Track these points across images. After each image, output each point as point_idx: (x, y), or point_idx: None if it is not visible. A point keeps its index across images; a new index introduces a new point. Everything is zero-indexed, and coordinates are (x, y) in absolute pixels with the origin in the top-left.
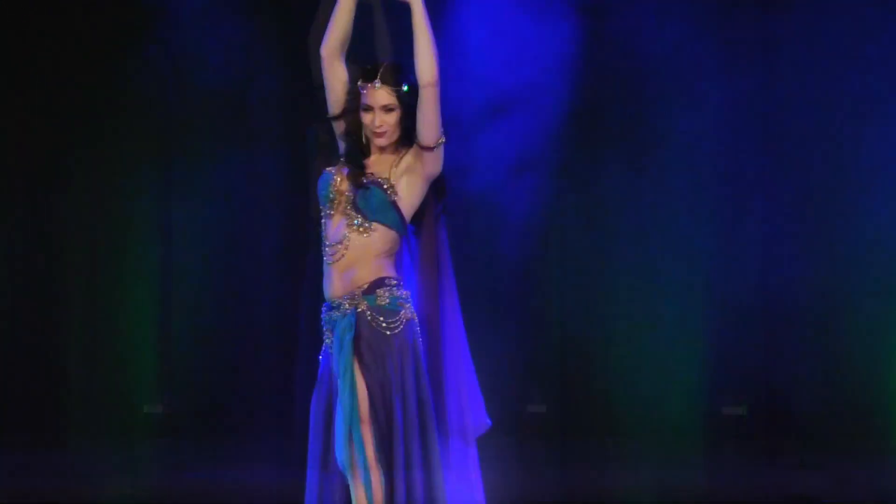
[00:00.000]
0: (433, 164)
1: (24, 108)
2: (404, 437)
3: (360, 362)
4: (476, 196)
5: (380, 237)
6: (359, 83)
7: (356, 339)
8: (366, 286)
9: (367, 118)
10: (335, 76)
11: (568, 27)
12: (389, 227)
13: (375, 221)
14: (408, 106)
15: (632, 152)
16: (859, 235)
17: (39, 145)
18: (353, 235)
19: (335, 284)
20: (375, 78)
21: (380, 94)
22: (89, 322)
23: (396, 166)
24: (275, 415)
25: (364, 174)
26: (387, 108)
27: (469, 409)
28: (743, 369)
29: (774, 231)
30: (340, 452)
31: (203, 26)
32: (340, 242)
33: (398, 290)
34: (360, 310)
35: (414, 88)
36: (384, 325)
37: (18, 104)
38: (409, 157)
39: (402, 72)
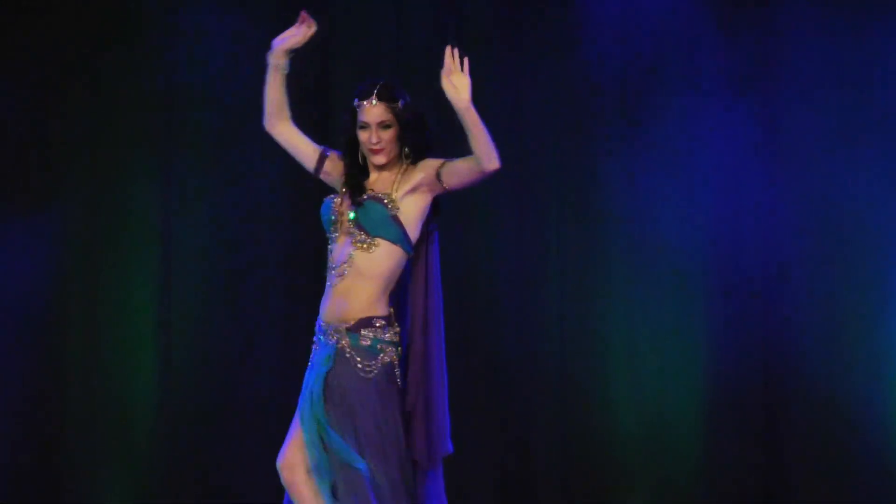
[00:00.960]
0: (463, 179)
1: (23, 109)
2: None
3: (328, 400)
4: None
5: (383, 253)
6: (355, 102)
7: (329, 374)
8: (353, 323)
9: (363, 136)
10: (291, 140)
11: (560, 27)
12: (392, 241)
13: (378, 237)
14: (405, 122)
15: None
16: (864, 239)
17: (34, 151)
18: (357, 253)
19: (330, 307)
20: (371, 95)
21: (376, 111)
22: (88, 326)
23: (399, 182)
24: (276, 422)
25: (363, 192)
26: (383, 125)
27: (439, 434)
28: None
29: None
30: (311, 456)
31: (204, 26)
32: (346, 262)
33: (384, 331)
34: (340, 345)
35: (409, 105)
36: (359, 365)
37: (16, 105)
38: (415, 175)
39: (397, 89)
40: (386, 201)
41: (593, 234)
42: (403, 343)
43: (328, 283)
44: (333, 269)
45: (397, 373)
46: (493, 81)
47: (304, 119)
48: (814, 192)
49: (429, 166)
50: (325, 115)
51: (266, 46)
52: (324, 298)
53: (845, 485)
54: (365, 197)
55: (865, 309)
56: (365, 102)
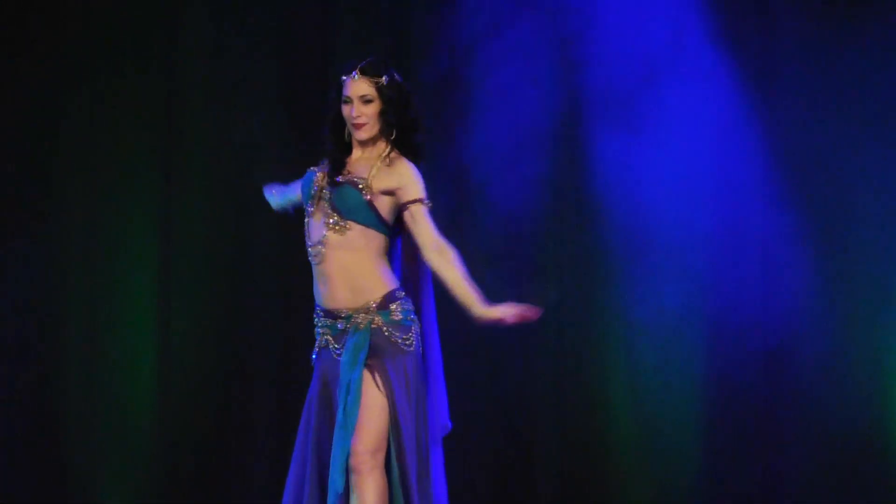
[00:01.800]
0: (413, 188)
1: (21, 110)
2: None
3: (375, 376)
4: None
5: (357, 236)
6: (341, 77)
7: (372, 355)
8: (380, 300)
9: (345, 109)
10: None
11: (560, 25)
12: (367, 226)
13: (351, 220)
14: (388, 99)
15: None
16: (866, 238)
17: (34, 151)
18: (330, 234)
19: (330, 292)
20: (354, 70)
21: (358, 86)
22: (88, 327)
23: (378, 169)
24: (276, 423)
25: (341, 172)
26: (365, 100)
27: (439, 411)
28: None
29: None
30: (335, 478)
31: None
32: (320, 242)
33: (408, 302)
34: (374, 325)
35: (395, 82)
36: (400, 341)
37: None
38: (393, 179)
39: (383, 65)
40: (361, 186)
41: (592, 231)
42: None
43: (312, 264)
44: (310, 246)
45: (422, 343)
46: (492, 78)
47: (303, 114)
48: (815, 191)
49: (406, 189)
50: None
51: (266, 46)
52: (316, 284)
53: (845, 485)
54: (340, 179)
55: (866, 308)
56: (347, 77)
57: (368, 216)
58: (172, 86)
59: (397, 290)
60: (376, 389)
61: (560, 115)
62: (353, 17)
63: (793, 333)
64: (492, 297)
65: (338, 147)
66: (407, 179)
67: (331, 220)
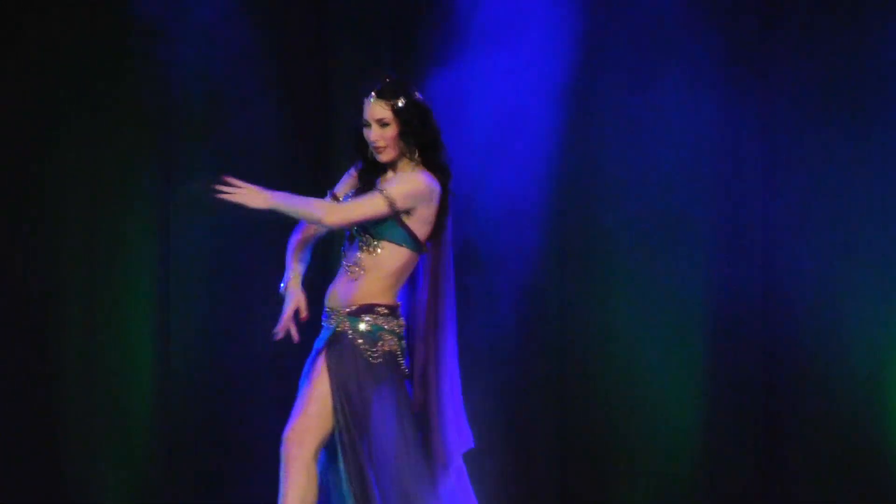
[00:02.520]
0: (411, 205)
1: (22, 109)
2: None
3: (333, 383)
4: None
5: (389, 255)
6: (362, 98)
7: (335, 357)
8: (355, 308)
9: (366, 133)
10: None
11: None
12: (397, 243)
13: (382, 240)
14: (405, 121)
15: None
16: (867, 239)
17: (33, 150)
18: (363, 256)
19: (334, 292)
20: (371, 92)
21: (375, 108)
22: (87, 327)
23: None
24: (275, 424)
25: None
26: (382, 122)
27: (459, 429)
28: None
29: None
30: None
31: (206, 33)
32: (356, 264)
33: (385, 319)
34: (340, 329)
35: (412, 103)
36: (363, 348)
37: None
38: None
39: (400, 86)
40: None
41: (594, 234)
42: (407, 338)
43: (339, 272)
44: (345, 265)
45: (401, 362)
46: (486, 79)
47: (302, 114)
48: (815, 192)
49: (390, 182)
50: (324, 113)
51: (266, 46)
52: (331, 284)
53: (845, 485)
54: (376, 187)
55: (867, 309)
56: (366, 99)
57: (398, 233)
58: (174, 84)
59: (380, 306)
60: (322, 385)
61: (560, 114)
62: (350, 14)
63: (793, 331)
64: (493, 296)
65: (367, 167)
66: (399, 178)
67: (363, 241)
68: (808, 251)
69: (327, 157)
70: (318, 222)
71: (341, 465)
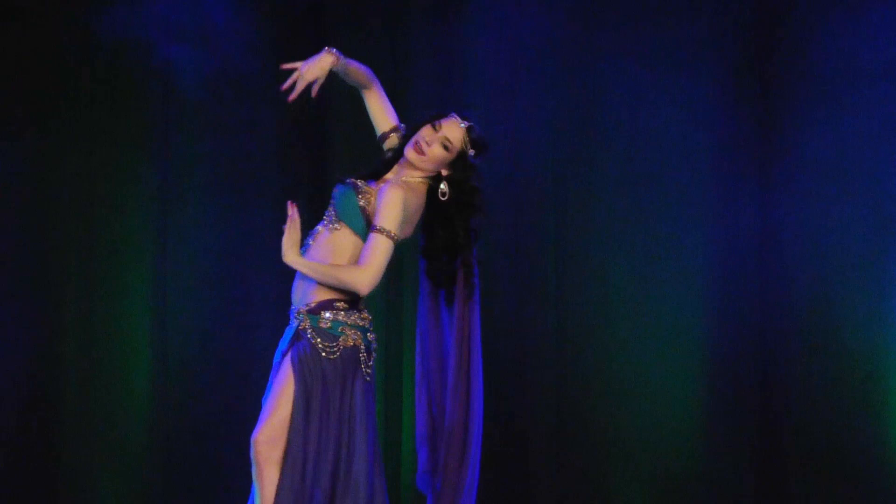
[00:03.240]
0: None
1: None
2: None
3: (296, 377)
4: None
5: (343, 237)
6: (450, 111)
7: (297, 356)
8: (313, 305)
9: (426, 131)
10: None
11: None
12: (354, 231)
13: (342, 221)
14: (461, 162)
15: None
16: (863, 238)
17: (29, 151)
18: (322, 228)
19: (296, 290)
20: (467, 120)
21: (455, 130)
22: (84, 330)
23: (382, 186)
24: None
25: (355, 176)
26: (446, 145)
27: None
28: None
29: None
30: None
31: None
32: (312, 235)
33: (347, 314)
34: (301, 327)
35: (475, 161)
36: (320, 346)
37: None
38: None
39: (483, 143)
40: (360, 192)
41: (592, 236)
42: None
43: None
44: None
45: (362, 358)
46: (488, 80)
47: (301, 120)
48: (813, 194)
49: (379, 213)
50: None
51: (267, 45)
52: (294, 278)
53: (843, 485)
54: (348, 180)
55: (863, 309)
56: (456, 117)
57: (358, 222)
58: (171, 85)
59: (339, 301)
60: (289, 385)
61: (560, 119)
62: (349, 19)
63: (791, 331)
64: (491, 299)
65: (382, 157)
66: (384, 204)
67: (328, 215)
68: (806, 248)
69: (326, 155)
70: (356, 292)
71: (286, 462)
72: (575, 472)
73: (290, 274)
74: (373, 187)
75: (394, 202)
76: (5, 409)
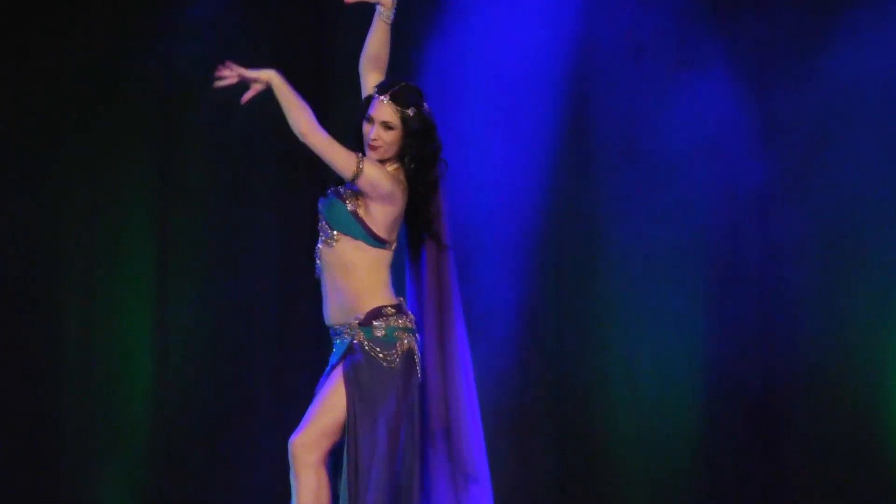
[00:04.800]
0: (366, 190)
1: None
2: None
3: (353, 389)
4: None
5: (345, 247)
6: (374, 92)
7: (352, 368)
8: (363, 317)
9: (366, 128)
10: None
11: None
12: (354, 237)
13: (338, 231)
14: (410, 129)
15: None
16: (864, 231)
17: (32, 146)
18: (323, 247)
19: (329, 309)
20: (386, 93)
21: (384, 110)
22: (85, 328)
23: None
24: (273, 422)
25: (333, 185)
26: (386, 126)
27: (471, 449)
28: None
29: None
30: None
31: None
32: (317, 255)
33: (397, 318)
34: (356, 341)
35: (422, 116)
36: (380, 356)
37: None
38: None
39: (414, 95)
40: (345, 196)
41: (589, 233)
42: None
43: (322, 290)
44: (319, 274)
45: (416, 359)
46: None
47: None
48: (813, 185)
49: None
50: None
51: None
52: (323, 305)
53: (845, 483)
54: (330, 190)
55: (866, 303)
56: (378, 97)
57: (356, 229)
58: (172, 83)
59: (385, 307)
60: (337, 395)
61: (557, 119)
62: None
63: (792, 332)
64: (489, 297)
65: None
66: (379, 166)
67: (324, 232)
68: (807, 248)
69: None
70: (296, 128)
71: (344, 473)
72: (576, 467)
73: (290, 269)
74: (355, 189)
75: (384, 174)
76: (8, 403)
